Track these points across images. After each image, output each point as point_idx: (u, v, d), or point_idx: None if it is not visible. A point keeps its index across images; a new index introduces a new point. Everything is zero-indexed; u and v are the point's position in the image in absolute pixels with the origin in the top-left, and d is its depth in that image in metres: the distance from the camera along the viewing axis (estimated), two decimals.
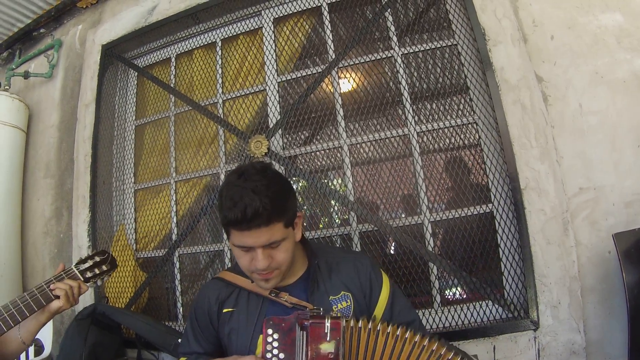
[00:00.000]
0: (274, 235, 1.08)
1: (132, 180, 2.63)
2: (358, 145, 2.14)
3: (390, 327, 1.09)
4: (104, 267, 1.49)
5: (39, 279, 2.58)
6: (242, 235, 1.07)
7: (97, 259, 1.48)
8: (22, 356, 1.98)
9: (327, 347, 1.06)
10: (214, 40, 2.57)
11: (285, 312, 1.16)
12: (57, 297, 1.35)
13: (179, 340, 1.88)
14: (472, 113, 1.98)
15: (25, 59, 3.10)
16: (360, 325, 1.10)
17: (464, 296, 2.01)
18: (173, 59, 2.68)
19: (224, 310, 1.28)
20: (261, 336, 1.13)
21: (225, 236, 2.25)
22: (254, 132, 2.27)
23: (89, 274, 1.45)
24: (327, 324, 1.07)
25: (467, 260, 1.89)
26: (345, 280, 1.26)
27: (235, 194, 1.05)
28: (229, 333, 1.25)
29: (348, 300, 1.24)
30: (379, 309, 1.25)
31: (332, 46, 2.26)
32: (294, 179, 2.21)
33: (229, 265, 2.22)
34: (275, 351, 1.07)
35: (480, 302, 1.85)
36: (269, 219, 1.05)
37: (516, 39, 1.89)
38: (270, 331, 1.09)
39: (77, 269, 1.43)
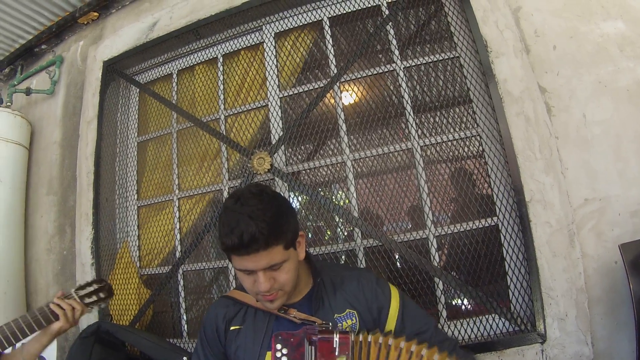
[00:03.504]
0: (273, 259, 1.09)
1: (135, 197, 2.61)
2: (361, 160, 2.13)
3: (397, 340, 1.09)
4: (102, 295, 1.57)
5: (43, 296, 2.58)
6: (242, 259, 1.08)
7: (95, 286, 1.57)
8: None
9: None
10: (215, 55, 2.57)
11: (293, 328, 1.16)
12: (57, 317, 1.42)
13: (184, 358, 1.87)
14: (475, 125, 1.97)
15: (26, 75, 3.11)
16: (369, 340, 1.09)
17: (470, 309, 2.00)
18: (174, 75, 2.67)
19: (231, 328, 1.28)
20: (269, 353, 1.14)
21: None
22: (256, 147, 2.26)
23: (87, 300, 1.54)
24: (336, 338, 1.07)
25: (473, 274, 1.88)
26: (350, 298, 1.26)
27: (232, 220, 1.06)
28: (236, 350, 1.25)
29: (353, 318, 1.23)
30: (390, 322, 1.24)
31: (333, 60, 2.26)
32: (297, 194, 2.20)
33: (234, 282, 2.22)
34: None
35: (487, 316, 1.83)
36: (266, 244, 1.05)
37: (518, 50, 1.88)
38: (279, 346, 1.09)
39: (76, 295, 1.52)
